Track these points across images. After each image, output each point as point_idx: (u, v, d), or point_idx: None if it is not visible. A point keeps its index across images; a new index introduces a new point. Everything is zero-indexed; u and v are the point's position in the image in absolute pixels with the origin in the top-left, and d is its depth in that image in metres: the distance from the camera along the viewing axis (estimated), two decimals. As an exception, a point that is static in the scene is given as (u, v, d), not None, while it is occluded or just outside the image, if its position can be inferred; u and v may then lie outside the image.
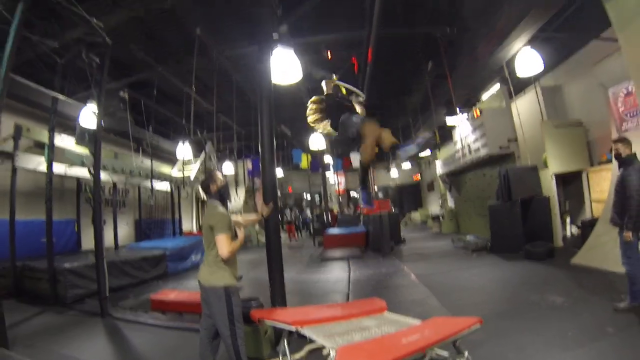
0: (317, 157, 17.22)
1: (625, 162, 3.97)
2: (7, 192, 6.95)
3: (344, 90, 3.88)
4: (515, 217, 7.98)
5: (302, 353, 3.29)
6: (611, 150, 4.17)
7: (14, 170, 7.14)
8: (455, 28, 7.78)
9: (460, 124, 11.74)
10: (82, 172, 8.54)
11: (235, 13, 7.40)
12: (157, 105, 11.14)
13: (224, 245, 2.80)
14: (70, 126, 8.59)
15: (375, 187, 23.70)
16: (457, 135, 12.66)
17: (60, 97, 7.45)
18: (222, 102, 11.59)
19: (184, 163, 12.38)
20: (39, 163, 7.47)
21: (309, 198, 23.69)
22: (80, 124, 7.65)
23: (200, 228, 15.65)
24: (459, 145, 12.52)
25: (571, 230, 8.97)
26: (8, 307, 4.26)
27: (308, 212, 22.36)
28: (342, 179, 23.74)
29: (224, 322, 2.77)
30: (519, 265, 6.82)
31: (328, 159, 18.78)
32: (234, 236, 2.98)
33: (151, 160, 10.24)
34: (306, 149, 15.47)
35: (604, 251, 5.54)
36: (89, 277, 6.28)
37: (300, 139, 16.14)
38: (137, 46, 8.13)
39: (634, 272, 3.80)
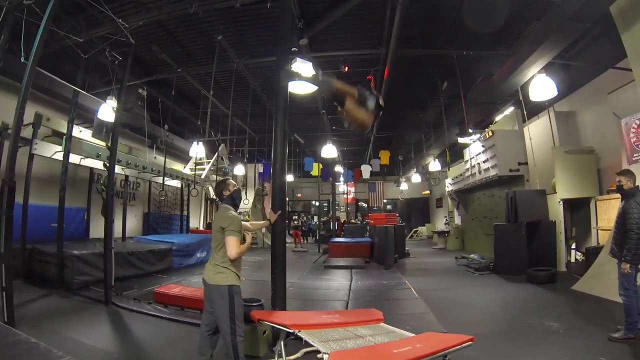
0: (328, 165, 17.43)
1: (627, 194, 4.00)
2: (23, 176, 7.15)
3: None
4: (520, 239, 7.95)
5: (297, 355, 3.39)
6: None
7: (31, 156, 7.37)
8: (472, 51, 7.90)
9: (472, 143, 11.80)
10: (96, 164, 8.80)
11: (257, 24, 7.64)
12: (174, 105, 11.43)
13: (233, 246, 2.92)
14: (88, 119, 8.88)
15: (384, 200, 23.85)
16: (468, 154, 12.68)
17: (81, 91, 7.69)
18: (238, 107, 11.89)
19: (197, 162, 12.65)
20: (55, 151, 7.70)
21: (317, 204, 23.85)
22: (99, 118, 7.94)
23: (207, 227, 15.82)
24: (469, 164, 12.54)
25: (575, 256, 8.92)
26: (16, 287, 4.36)
27: (315, 218, 22.46)
28: (351, 189, 24.04)
29: (225, 320, 2.87)
30: (521, 287, 6.80)
31: (339, 168, 18.96)
32: (243, 240, 3.11)
33: (164, 157, 10.45)
34: (318, 158, 15.68)
35: (606, 280, 5.50)
36: (95, 265, 6.45)
37: (313, 148, 16.44)
38: (159, 47, 8.40)
39: (630, 304, 3.82)
